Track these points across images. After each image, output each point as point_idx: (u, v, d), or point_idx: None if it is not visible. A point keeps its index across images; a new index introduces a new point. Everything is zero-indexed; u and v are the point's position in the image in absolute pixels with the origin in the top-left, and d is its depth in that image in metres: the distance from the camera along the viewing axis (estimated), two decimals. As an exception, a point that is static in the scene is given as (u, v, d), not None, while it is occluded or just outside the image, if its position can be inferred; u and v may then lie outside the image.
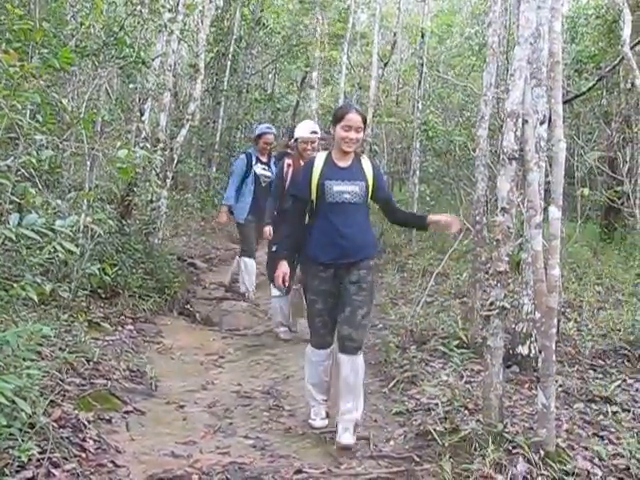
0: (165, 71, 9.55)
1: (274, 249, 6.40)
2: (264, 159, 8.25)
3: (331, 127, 4.36)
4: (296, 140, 6.60)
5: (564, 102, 5.39)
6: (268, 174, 8.13)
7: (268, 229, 6.99)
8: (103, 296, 6.70)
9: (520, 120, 3.83)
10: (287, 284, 4.52)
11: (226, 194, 8.32)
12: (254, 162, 8.19)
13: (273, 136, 8.39)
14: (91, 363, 4.90)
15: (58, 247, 3.24)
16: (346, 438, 4.13)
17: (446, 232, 4.50)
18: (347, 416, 4.20)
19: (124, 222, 7.73)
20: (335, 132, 4.29)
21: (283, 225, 4.82)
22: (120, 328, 6.20)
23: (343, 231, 4.25)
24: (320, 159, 4.39)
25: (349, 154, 4.35)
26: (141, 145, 7.66)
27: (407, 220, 4.91)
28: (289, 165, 6.66)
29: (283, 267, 4.42)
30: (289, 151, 7.18)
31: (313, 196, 4.34)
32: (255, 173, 8.13)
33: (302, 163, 6.01)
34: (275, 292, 6.75)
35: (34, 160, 3.39)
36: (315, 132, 6.53)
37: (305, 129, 6.56)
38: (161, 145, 8.83)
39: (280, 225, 6.18)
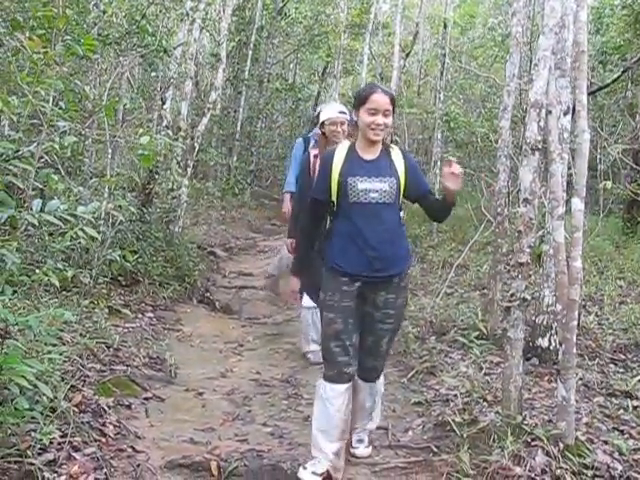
0: (187, 60, 9.57)
1: None
2: None
3: (353, 112, 3.61)
4: (322, 124, 5.45)
5: (588, 94, 5.33)
6: None
7: (290, 242, 5.56)
8: (123, 283, 6.76)
9: (544, 111, 3.80)
10: (297, 301, 4.22)
11: (287, 179, 6.82)
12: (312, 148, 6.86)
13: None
14: (111, 349, 4.94)
15: (80, 233, 3.26)
16: (361, 451, 3.87)
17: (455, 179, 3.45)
18: (361, 428, 3.92)
19: (145, 210, 7.77)
20: (359, 117, 3.53)
21: (298, 235, 4.19)
22: (140, 315, 6.25)
23: (370, 238, 3.49)
24: (341, 151, 3.61)
25: (376, 144, 3.57)
26: (162, 133, 7.69)
27: (442, 210, 3.73)
28: (316, 157, 5.45)
29: (293, 284, 3.94)
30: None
31: (334, 196, 3.56)
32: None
33: None
34: (308, 302, 5.50)
35: (57, 147, 3.42)
36: (343, 112, 5.44)
37: (332, 109, 5.49)
38: (182, 134, 8.86)
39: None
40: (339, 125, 5.38)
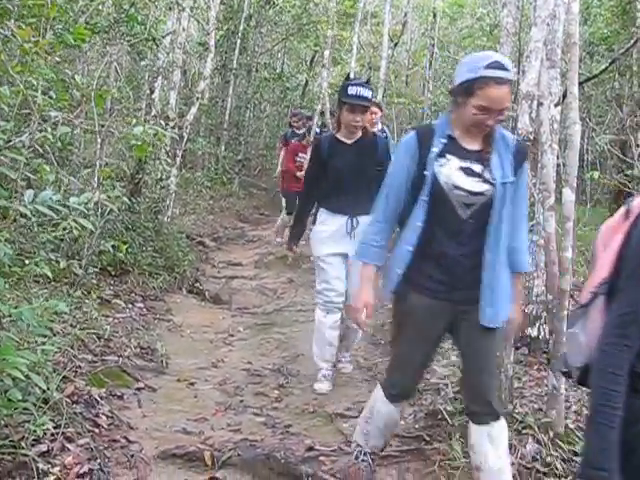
0: (175, 49, 9.52)
1: None
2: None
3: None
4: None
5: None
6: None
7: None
8: (113, 273, 6.73)
9: (535, 102, 3.82)
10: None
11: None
12: (438, 144, 3.01)
13: None
14: (102, 340, 4.93)
15: (73, 224, 3.25)
16: None
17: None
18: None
19: (134, 200, 7.73)
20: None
21: None
22: (130, 305, 6.22)
23: None
24: None
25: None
26: (152, 123, 7.65)
27: None
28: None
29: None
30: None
31: None
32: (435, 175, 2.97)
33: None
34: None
35: (51, 137, 3.40)
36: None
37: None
38: (171, 123, 8.81)
39: None
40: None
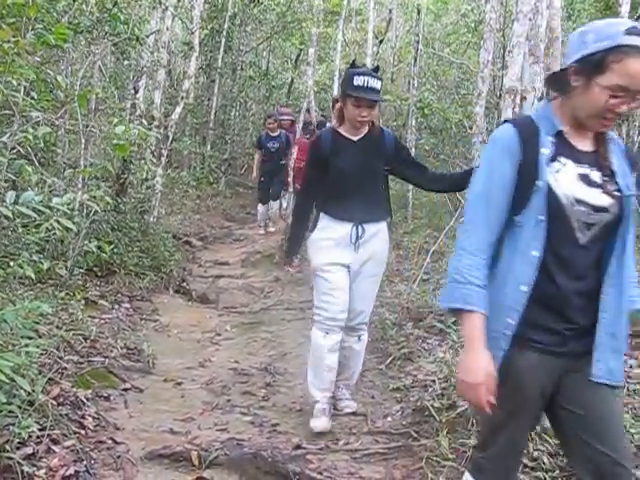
0: (159, 48, 9.49)
1: None
2: None
3: None
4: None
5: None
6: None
7: None
8: (99, 274, 6.70)
9: (518, 97, 3.83)
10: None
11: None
12: (547, 144, 2.23)
13: None
14: (88, 341, 4.90)
15: (55, 225, 3.23)
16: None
17: None
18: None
19: (119, 200, 7.70)
20: None
21: None
22: (117, 306, 6.20)
23: None
24: None
25: None
26: (136, 123, 7.61)
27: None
28: None
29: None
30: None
31: None
32: (549, 186, 2.20)
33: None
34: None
35: (31, 137, 3.37)
36: None
37: None
38: (156, 123, 8.79)
39: None
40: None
